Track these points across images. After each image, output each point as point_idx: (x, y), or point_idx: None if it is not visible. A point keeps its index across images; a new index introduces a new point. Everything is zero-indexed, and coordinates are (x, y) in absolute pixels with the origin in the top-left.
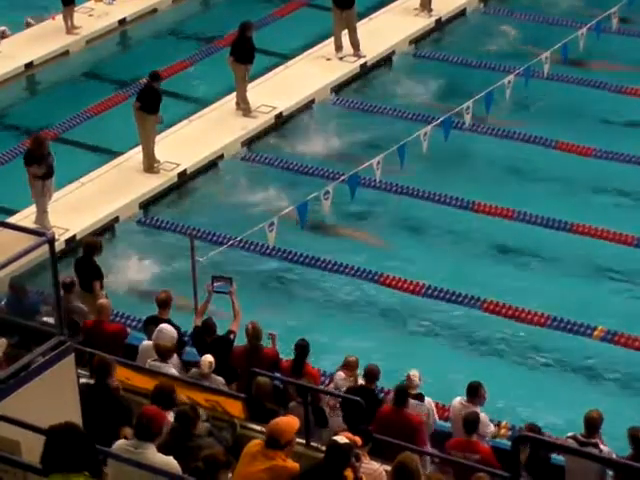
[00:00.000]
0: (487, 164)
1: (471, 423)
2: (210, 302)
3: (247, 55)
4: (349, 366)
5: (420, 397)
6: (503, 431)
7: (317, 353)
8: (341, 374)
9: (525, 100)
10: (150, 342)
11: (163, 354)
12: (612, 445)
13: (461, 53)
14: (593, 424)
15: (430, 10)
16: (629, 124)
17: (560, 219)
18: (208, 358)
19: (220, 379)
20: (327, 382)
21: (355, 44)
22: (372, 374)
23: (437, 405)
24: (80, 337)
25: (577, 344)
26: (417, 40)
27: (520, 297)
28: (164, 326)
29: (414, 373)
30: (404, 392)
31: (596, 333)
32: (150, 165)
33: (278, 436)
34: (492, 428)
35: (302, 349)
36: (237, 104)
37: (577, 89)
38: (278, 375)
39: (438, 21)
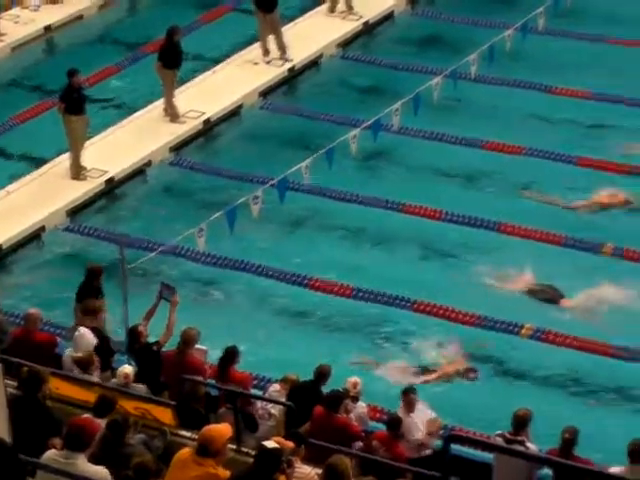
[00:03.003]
0: (416, 166)
1: (394, 424)
2: (157, 307)
3: (174, 60)
4: (286, 381)
5: (353, 400)
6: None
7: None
8: (276, 386)
9: (453, 101)
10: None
11: (82, 365)
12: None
13: (389, 56)
14: (521, 422)
15: (351, 8)
16: (557, 122)
17: (490, 219)
18: (125, 370)
19: (141, 387)
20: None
21: (282, 47)
22: (322, 373)
23: (376, 408)
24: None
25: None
26: (345, 43)
27: (450, 297)
28: (83, 332)
29: (353, 381)
30: (338, 396)
31: (524, 331)
32: (77, 172)
33: (209, 444)
34: (420, 435)
35: (227, 355)
36: (165, 110)
37: (504, 90)
38: (208, 381)
39: (366, 24)
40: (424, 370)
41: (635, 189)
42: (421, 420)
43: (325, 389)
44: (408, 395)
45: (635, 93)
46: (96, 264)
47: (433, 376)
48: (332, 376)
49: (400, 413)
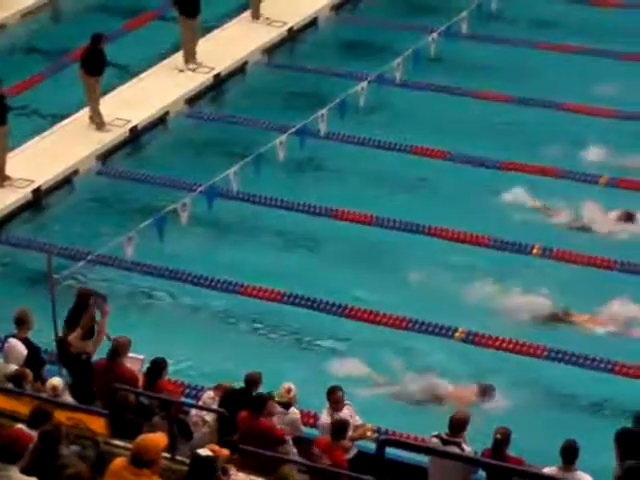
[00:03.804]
0: (344, 171)
1: (341, 429)
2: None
3: (98, 67)
4: (219, 389)
5: (286, 406)
6: (369, 433)
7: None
8: (210, 393)
9: (379, 106)
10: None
11: (15, 382)
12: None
13: (314, 61)
14: (458, 424)
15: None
16: (482, 126)
17: (420, 223)
18: (53, 382)
19: (69, 399)
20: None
21: (194, 54)
22: (252, 381)
23: (309, 413)
24: None
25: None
26: (270, 50)
27: (380, 302)
28: (14, 344)
29: (287, 386)
30: (260, 399)
31: (457, 334)
32: (1, 182)
33: (144, 454)
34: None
35: (154, 368)
36: (91, 118)
37: (429, 94)
38: (140, 390)
39: (290, 30)
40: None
41: (549, 191)
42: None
43: None
44: (335, 393)
45: (557, 97)
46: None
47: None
48: (265, 382)
49: (326, 413)
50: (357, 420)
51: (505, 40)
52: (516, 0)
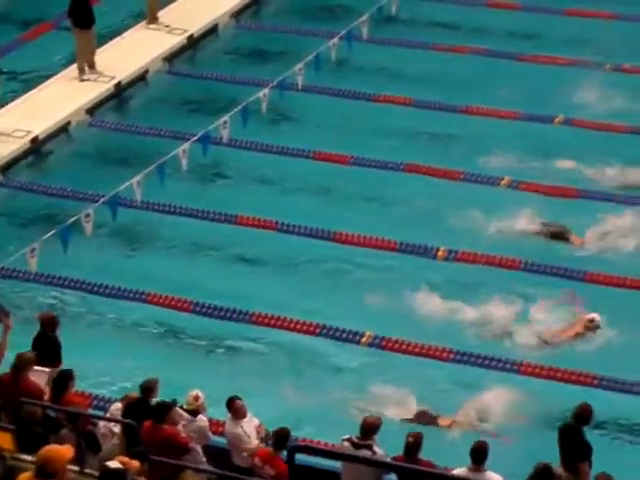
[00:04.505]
0: (247, 177)
1: (283, 439)
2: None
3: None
4: (125, 400)
5: (194, 413)
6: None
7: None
8: (118, 405)
9: (282, 112)
10: None
11: None
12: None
13: (216, 69)
14: (369, 428)
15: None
16: (384, 130)
17: (325, 228)
18: None
19: None
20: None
21: (93, 65)
22: (147, 388)
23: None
24: None
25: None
26: (171, 58)
27: (284, 307)
28: None
29: (195, 394)
30: (162, 407)
31: (364, 340)
32: None
33: (47, 465)
34: (254, 444)
35: (60, 379)
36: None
37: (331, 99)
38: (46, 403)
39: (191, 38)
40: None
41: (453, 194)
42: (251, 428)
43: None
44: (234, 402)
45: (457, 99)
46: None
47: None
48: (175, 391)
49: (229, 423)
50: (256, 421)
51: (405, 43)
52: (415, 3)
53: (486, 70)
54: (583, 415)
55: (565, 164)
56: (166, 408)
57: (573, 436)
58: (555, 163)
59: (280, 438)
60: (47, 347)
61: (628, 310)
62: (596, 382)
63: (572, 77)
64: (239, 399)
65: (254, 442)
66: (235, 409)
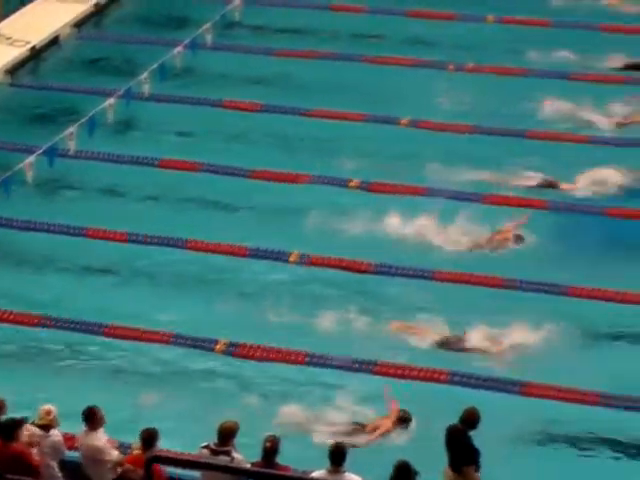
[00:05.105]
0: (95, 188)
1: (150, 439)
2: None
3: None
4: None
5: (46, 428)
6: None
7: None
8: None
9: (129, 121)
10: None
11: None
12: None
13: (59, 80)
14: (227, 433)
15: None
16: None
17: (176, 236)
18: None
19: None
20: None
21: None
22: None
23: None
24: None
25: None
26: (13, 70)
27: (141, 318)
28: None
29: (47, 408)
30: (11, 424)
31: (218, 347)
32: None
33: None
34: (115, 455)
35: None
36: None
37: (178, 106)
38: None
39: (33, 49)
40: None
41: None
42: (107, 438)
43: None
44: (93, 410)
45: (304, 103)
46: None
47: None
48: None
49: (84, 435)
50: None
51: (250, 49)
52: (260, 9)
53: (332, 73)
54: (470, 419)
55: (411, 165)
56: (15, 426)
57: (460, 439)
58: (402, 164)
59: (148, 439)
60: None
61: None
62: None
63: (417, 78)
64: (96, 408)
65: (114, 453)
66: (95, 419)
